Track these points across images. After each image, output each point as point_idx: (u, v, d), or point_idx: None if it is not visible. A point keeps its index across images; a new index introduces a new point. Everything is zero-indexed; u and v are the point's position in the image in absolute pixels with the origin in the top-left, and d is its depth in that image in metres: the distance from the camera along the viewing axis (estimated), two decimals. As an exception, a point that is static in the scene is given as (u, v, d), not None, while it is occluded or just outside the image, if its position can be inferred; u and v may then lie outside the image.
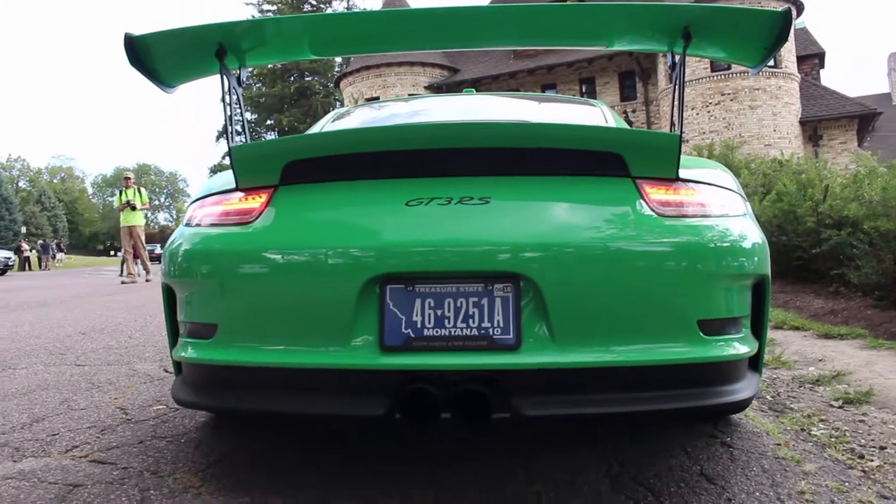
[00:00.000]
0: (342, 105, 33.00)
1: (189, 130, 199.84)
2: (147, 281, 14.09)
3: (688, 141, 24.23)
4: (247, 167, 2.08)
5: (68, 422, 2.89)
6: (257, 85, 44.52)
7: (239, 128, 2.32)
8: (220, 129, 45.34)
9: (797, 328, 5.53)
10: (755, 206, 8.63)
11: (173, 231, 2.28)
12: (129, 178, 14.39)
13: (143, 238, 14.12)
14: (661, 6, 2.09)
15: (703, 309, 1.90)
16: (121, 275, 14.31)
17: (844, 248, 6.82)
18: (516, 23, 2.34)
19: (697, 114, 25.55)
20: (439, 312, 1.83)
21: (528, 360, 1.80)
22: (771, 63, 21.38)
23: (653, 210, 1.94)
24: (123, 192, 13.96)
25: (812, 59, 29.89)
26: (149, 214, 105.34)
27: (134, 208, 13.74)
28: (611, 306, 1.85)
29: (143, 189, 14.55)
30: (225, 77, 2.17)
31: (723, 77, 24.74)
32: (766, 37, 2.06)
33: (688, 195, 2.01)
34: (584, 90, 30.37)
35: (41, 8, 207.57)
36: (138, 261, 14.48)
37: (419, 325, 1.83)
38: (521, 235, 1.86)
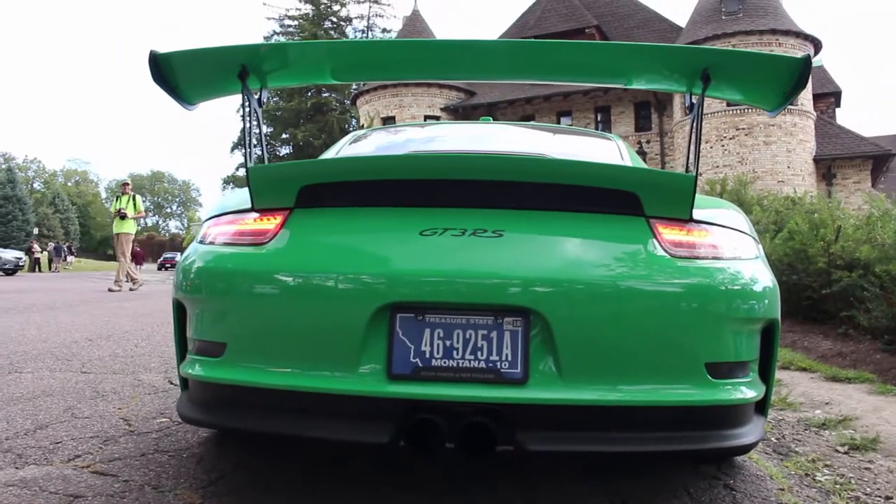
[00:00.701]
0: (358, 122, 33.21)
1: (204, 140, 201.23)
2: (118, 290, 13.74)
3: (701, 174, 24.24)
4: (263, 188, 2.10)
5: (71, 430, 2.89)
6: (274, 98, 44.83)
7: (257, 148, 2.34)
8: (235, 141, 45.57)
9: (804, 369, 5.49)
10: (766, 244, 8.62)
11: (182, 238, 2.29)
12: (127, 185, 14.32)
13: (127, 247, 13.95)
14: (682, 48, 2.12)
15: (711, 352, 1.90)
16: (128, 281, 14.31)
17: (855, 290, 6.78)
18: (535, 58, 2.36)
19: (712, 147, 25.62)
20: (448, 343, 1.83)
21: (534, 395, 1.80)
22: (787, 100, 21.39)
23: (665, 250, 1.94)
24: (119, 199, 13.92)
25: (828, 97, 30.00)
26: (159, 221, 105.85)
27: (124, 217, 13.63)
28: (619, 345, 1.85)
29: (138, 197, 14.42)
30: (246, 98, 2.19)
31: (738, 112, 24.83)
32: (785, 82, 2.07)
33: (701, 236, 2.02)
34: (599, 119, 30.50)
35: (65, 12, 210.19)
36: (134, 267, 14.34)
37: (427, 355, 1.83)
38: (532, 270, 1.86)
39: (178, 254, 51.98)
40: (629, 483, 2.45)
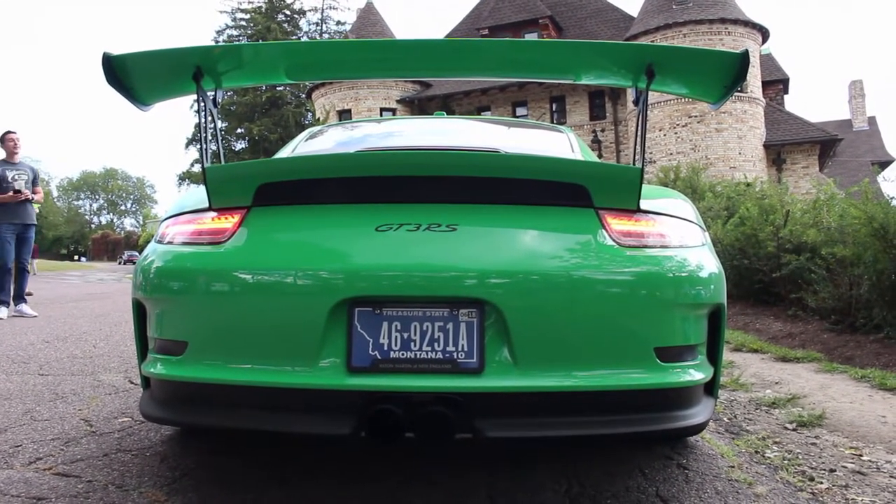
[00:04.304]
0: (314, 116, 32.94)
1: (158, 136, 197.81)
2: None
3: (655, 162, 24.59)
4: (221, 188, 2.12)
5: (32, 433, 2.88)
6: (229, 93, 44.12)
7: (213, 147, 2.35)
8: (190, 137, 44.78)
9: (756, 350, 5.67)
10: (718, 230, 8.82)
11: (138, 236, 2.30)
12: None
13: None
14: (627, 45, 2.19)
15: (660, 337, 1.97)
16: None
17: (803, 272, 7.00)
18: (487, 55, 2.41)
19: (665, 135, 25.97)
20: (406, 335, 1.88)
21: (490, 383, 1.85)
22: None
23: (614, 240, 2.01)
24: None
25: (777, 84, 30.59)
26: (114, 219, 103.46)
27: None
28: (571, 333, 1.91)
29: None
30: (201, 98, 2.21)
31: (690, 100, 25.08)
32: (725, 76, 2.15)
33: (648, 226, 2.08)
34: (554, 108, 30.67)
35: (13, 8, 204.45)
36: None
37: (386, 348, 1.88)
38: (486, 263, 1.92)
39: (137, 252, 58.73)
40: (586, 465, 2.52)
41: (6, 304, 7.87)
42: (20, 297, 8.10)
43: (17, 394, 3.64)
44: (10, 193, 7.83)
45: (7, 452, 2.62)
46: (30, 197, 8.05)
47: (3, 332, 6.44)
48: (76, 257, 74.62)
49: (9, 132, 8.16)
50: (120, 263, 56.58)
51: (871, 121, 45.59)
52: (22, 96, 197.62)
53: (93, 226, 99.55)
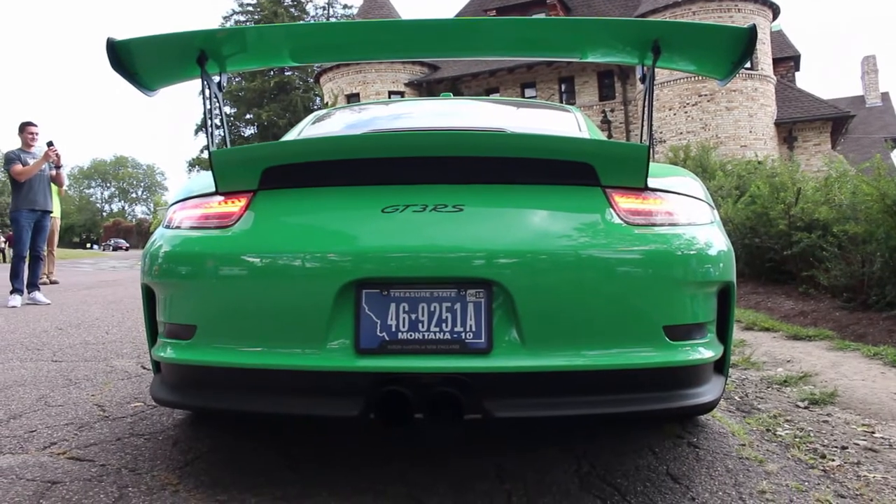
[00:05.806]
0: (322, 100, 32.94)
1: (167, 122, 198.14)
2: None
3: (665, 141, 24.45)
4: (227, 172, 2.11)
5: (46, 418, 2.90)
6: (237, 79, 44.16)
7: (219, 131, 2.35)
8: (199, 123, 44.89)
9: (767, 329, 5.64)
10: (729, 208, 8.77)
11: (149, 224, 2.30)
12: None
13: None
14: (633, 21, 2.17)
15: (669, 315, 1.96)
16: None
17: (815, 250, 6.96)
18: (493, 34, 2.40)
19: (675, 114, 25.78)
20: (413, 317, 1.88)
21: (499, 363, 1.85)
22: (747, 65, 21.54)
23: (622, 219, 1.99)
24: None
25: (787, 61, 30.31)
26: (125, 207, 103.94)
27: None
28: (579, 312, 1.90)
29: None
30: (206, 82, 2.20)
31: (700, 79, 24.96)
32: (733, 51, 2.13)
33: (656, 204, 2.07)
34: (563, 89, 30.51)
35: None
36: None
37: (394, 329, 1.88)
38: (493, 243, 1.91)
39: (123, 240, 63.98)
40: (596, 445, 2.53)
41: (20, 292, 7.96)
42: (33, 286, 8.19)
43: (32, 380, 3.68)
44: (44, 154, 8.08)
45: (22, 437, 2.65)
46: (59, 163, 8.38)
47: (17, 319, 6.49)
48: (89, 245, 75.05)
49: (29, 124, 8.35)
50: (102, 249, 60.26)
51: (885, 97, 45.19)
52: (29, 84, 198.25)
53: (104, 214, 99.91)
